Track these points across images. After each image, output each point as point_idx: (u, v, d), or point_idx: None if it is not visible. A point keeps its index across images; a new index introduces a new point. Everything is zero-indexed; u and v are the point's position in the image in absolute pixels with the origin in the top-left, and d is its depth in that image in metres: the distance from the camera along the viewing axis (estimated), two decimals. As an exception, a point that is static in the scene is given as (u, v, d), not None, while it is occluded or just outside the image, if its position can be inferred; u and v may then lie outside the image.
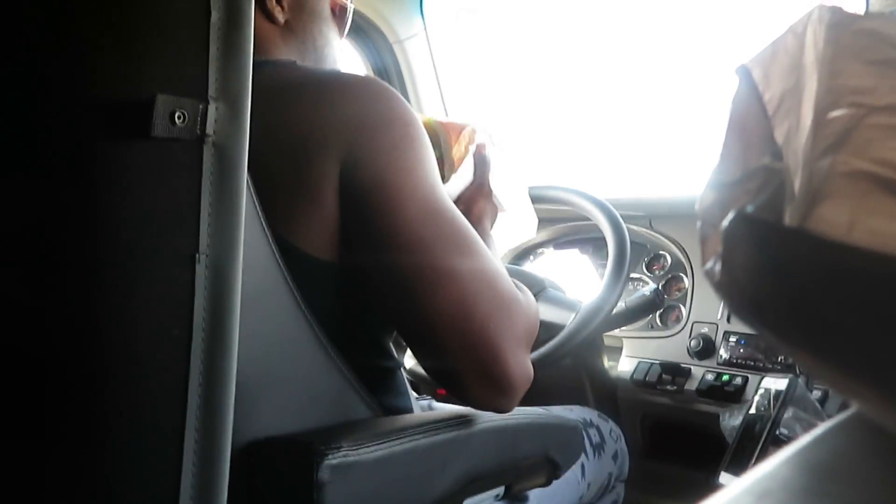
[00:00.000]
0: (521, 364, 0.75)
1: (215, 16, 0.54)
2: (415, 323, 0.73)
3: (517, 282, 0.79)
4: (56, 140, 0.55)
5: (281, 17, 0.87)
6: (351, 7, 0.96)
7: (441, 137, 0.95)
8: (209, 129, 0.54)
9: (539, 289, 1.22)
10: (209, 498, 0.57)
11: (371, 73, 1.70)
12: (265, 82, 0.75)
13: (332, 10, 0.93)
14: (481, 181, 0.98)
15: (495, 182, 0.99)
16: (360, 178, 0.72)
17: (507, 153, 1.05)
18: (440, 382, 0.80)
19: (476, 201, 0.98)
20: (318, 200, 0.72)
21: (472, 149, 0.97)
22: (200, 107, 0.54)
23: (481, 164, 0.98)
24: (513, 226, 1.07)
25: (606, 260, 1.19)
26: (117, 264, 0.55)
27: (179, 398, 0.55)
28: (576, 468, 1.02)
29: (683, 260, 1.50)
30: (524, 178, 1.12)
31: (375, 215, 0.72)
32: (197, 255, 0.55)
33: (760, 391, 1.10)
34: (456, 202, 0.91)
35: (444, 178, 0.93)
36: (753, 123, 0.31)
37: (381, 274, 0.74)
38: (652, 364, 1.40)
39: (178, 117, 0.53)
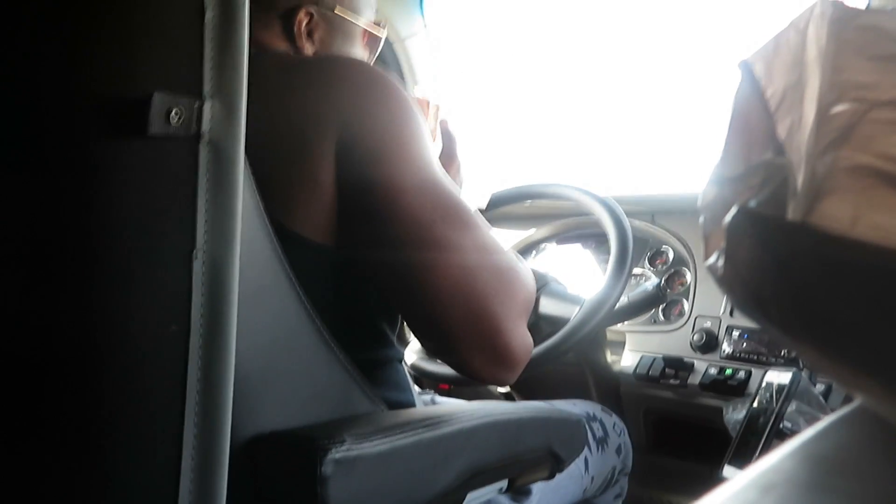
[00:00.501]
0: (522, 335, 0.75)
1: (209, 14, 0.54)
2: (416, 299, 0.73)
3: (514, 252, 0.80)
4: (52, 139, 0.55)
5: (310, 51, 0.87)
6: (384, 35, 0.95)
7: None
8: (205, 127, 0.54)
9: (542, 283, 1.22)
10: (208, 494, 0.57)
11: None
12: (259, 72, 0.75)
13: (363, 36, 0.93)
14: (451, 155, 0.97)
15: (463, 155, 0.99)
16: (356, 156, 0.72)
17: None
18: (441, 358, 0.80)
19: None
20: (316, 184, 0.72)
21: (438, 123, 0.98)
22: (196, 105, 0.54)
23: (448, 138, 0.98)
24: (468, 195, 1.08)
25: (609, 255, 1.19)
26: (114, 262, 0.55)
27: (178, 395, 0.56)
28: (579, 462, 1.02)
29: (686, 254, 1.49)
30: (470, 149, 1.13)
31: (372, 192, 0.72)
32: (194, 253, 0.55)
33: (764, 385, 1.10)
34: None
35: None
36: (756, 119, 0.31)
37: (380, 252, 0.74)
38: (655, 358, 1.40)
39: (174, 115, 0.53)
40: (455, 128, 1.00)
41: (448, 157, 0.97)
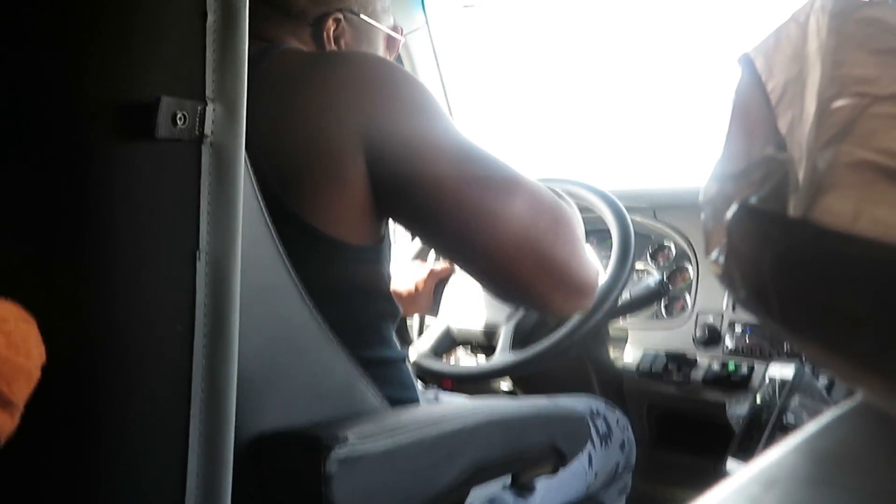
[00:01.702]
0: (589, 264, 0.80)
1: (211, 17, 0.54)
2: (486, 266, 0.77)
3: (551, 187, 0.82)
4: (57, 142, 0.55)
5: None
6: (402, 40, 0.99)
7: None
8: (207, 130, 0.55)
9: None
10: (214, 493, 0.57)
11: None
12: (274, 67, 0.76)
13: (384, 41, 0.96)
14: None
15: None
16: (388, 154, 0.73)
17: None
18: (525, 307, 0.88)
19: None
20: (343, 182, 0.74)
21: None
22: (199, 108, 0.54)
23: None
24: None
25: (610, 251, 1.18)
26: (119, 263, 0.55)
27: (182, 395, 0.56)
28: (583, 458, 1.02)
29: (688, 250, 1.49)
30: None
31: (415, 187, 0.74)
32: (197, 253, 0.55)
33: (766, 379, 1.10)
34: None
35: None
36: (757, 113, 0.31)
37: (437, 230, 0.77)
38: (657, 354, 1.40)
39: (180, 119, 0.53)
40: None
41: None
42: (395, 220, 0.80)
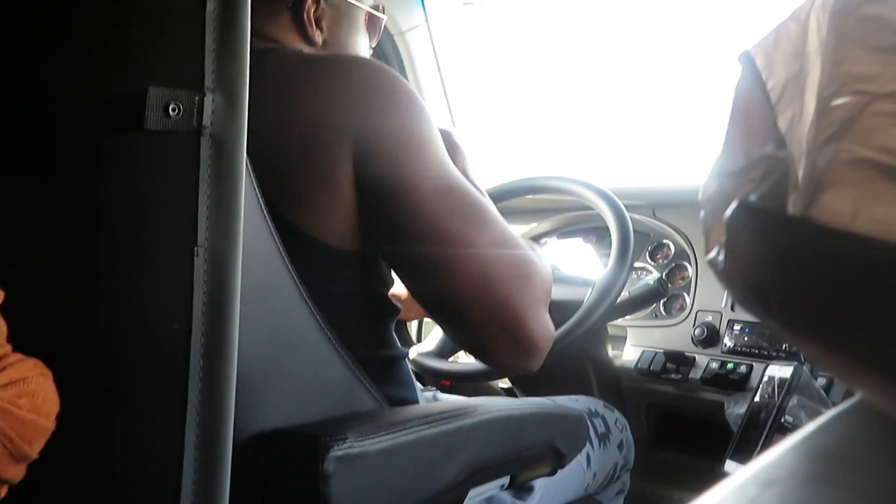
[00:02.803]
0: (544, 324, 0.78)
1: (211, 5, 0.54)
2: (439, 296, 0.76)
3: (528, 241, 0.81)
4: (51, 134, 0.54)
5: (319, 39, 0.89)
6: (384, 19, 0.98)
7: None
8: (206, 121, 0.54)
9: None
10: (211, 492, 0.57)
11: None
12: (271, 70, 0.75)
13: (365, 20, 0.95)
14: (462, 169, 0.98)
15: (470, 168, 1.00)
16: (375, 160, 0.73)
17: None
18: (468, 350, 0.84)
19: None
20: (332, 188, 0.73)
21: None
22: (197, 98, 0.53)
23: (454, 149, 0.98)
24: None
25: (610, 249, 1.18)
26: (116, 259, 0.55)
27: (179, 392, 0.56)
28: (581, 458, 1.02)
29: (687, 248, 1.49)
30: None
31: (393, 197, 0.73)
32: (196, 249, 0.55)
33: (765, 379, 1.10)
34: None
35: None
36: (757, 111, 0.31)
37: (403, 255, 0.76)
38: (656, 353, 1.40)
39: (173, 109, 0.52)
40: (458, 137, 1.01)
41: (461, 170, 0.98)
42: (368, 238, 0.78)
